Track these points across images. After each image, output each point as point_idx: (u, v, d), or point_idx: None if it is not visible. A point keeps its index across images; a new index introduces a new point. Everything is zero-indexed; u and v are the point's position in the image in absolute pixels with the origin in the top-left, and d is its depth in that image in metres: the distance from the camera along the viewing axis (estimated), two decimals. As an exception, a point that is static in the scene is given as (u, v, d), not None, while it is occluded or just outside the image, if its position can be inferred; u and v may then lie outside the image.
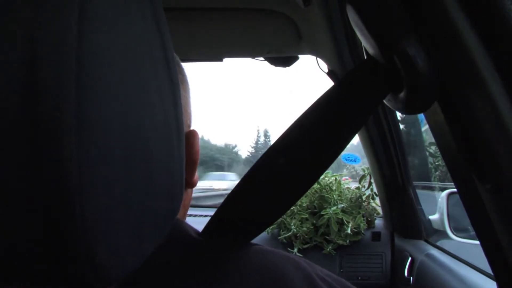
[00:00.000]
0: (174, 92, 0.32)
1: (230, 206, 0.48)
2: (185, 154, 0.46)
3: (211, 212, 0.49)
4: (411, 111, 0.42)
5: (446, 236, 1.40)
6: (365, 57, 0.44)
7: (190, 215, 1.96)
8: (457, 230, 1.37)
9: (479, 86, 0.34)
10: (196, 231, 0.45)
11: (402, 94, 0.40)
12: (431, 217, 1.56)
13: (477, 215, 0.45)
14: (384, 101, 0.44)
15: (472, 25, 0.33)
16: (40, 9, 0.22)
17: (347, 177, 2.76)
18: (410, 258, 1.43)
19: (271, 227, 1.69)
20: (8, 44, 0.22)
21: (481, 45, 0.33)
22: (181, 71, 0.49)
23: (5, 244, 0.25)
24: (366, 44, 0.42)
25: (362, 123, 0.45)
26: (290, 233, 1.64)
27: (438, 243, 1.48)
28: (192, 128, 0.50)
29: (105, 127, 0.24)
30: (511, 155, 0.34)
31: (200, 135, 0.50)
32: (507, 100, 0.33)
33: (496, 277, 0.47)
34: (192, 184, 0.49)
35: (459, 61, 0.35)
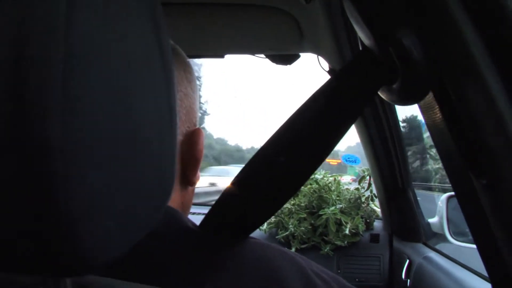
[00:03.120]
0: (168, 82, 0.31)
1: (228, 200, 0.48)
2: (189, 152, 0.47)
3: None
4: (405, 102, 0.42)
5: (445, 239, 1.39)
6: (361, 48, 0.44)
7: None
8: (456, 233, 1.37)
9: (476, 77, 0.33)
10: (194, 224, 0.46)
11: (396, 85, 0.39)
12: (430, 220, 1.56)
13: (473, 214, 0.45)
14: (379, 92, 0.43)
15: (470, 16, 0.33)
16: None
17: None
18: (408, 261, 1.42)
19: (269, 226, 1.69)
20: None
21: (478, 36, 0.33)
22: (190, 71, 0.50)
23: None
24: (362, 35, 0.42)
25: (358, 114, 0.45)
26: (287, 233, 1.63)
27: (437, 247, 1.47)
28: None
29: (92, 111, 0.24)
30: (507, 148, 0.34)
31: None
32: (503, 92, 0.32)
33: (490, 277, 0.46)
34: (193, 182, 0.50)
35: (456, 52, 0.34)
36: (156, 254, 0.39)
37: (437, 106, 0.40)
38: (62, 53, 0.22)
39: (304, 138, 0.45)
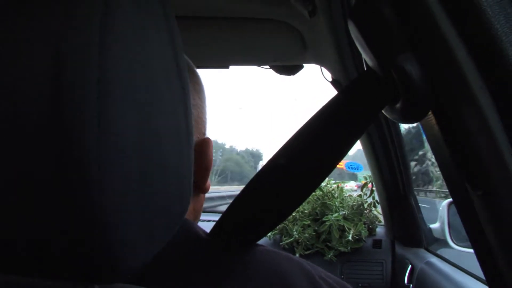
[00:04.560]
0: (185, 100, 0.34)
1: (237, 208, 0.49)
2: (199, 161, 0.48)
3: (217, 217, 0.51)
4: (406, 120, 0.44)
5: (446, 244, 1.40)
6: (365, 68, 0.47)
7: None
8: (457, 239, 1.38)
9: (470, 99, 0.36)
10: (204, 231, 0.47)
11: (398, 105, 0.42)
12: (432, 226, 1.57)
13: (470, 221, 0.47)
14: (382, 110, 0.46)
15: (465, 45, 0.36)
16: (66, 23, 0.25)
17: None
18: (410, 266, 1.44)
19: (273, 232, 1.70)
20: (35, 54, 0.24)
21: (472, 62, 0.36)
22: (198, 81, 0.51)
23: (25, 238, 0.26)
24: (366, 57, 0.45)
25: (363, 131, 0.46)
26: (292, 239, 1.65)
27: (439, 252, 1.48)
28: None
29: (122, 131, 0.26)
30: (499, 163, 0.37)
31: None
32: (495, 112, 0.35)
33: (487, 283, 0.48)
34: (204, 190, 0.51)
35: (452, 76, 0.37)
36: (167, 262, 0.40)
37: (435, 123, 0.43)
38: (96, 75, 0.25)
39: (312, 149, 0.46)
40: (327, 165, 0.47)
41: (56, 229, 0.26)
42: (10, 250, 0.27)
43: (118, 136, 0.26)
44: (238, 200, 0.49)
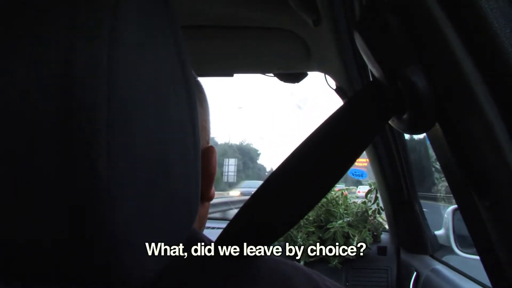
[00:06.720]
0: (192, 111, 0.34)
1: (243, 216, 0.49)
2: (203, 169, 0.46)
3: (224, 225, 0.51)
4: (413, 132, 0.44)
5: (451, 251, 1.40)
6: (371, 79, 0.47)
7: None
8: (462, 245, 1.38)
9: (476, 109, 0.37)
10: (209, 239, 0.47)
11: (405, 116, 0.42)
12: (437, 233, 1.57)
13: (477, 231, 0.47)
14: (389, 121, 0.46)
15: (470, 55, 0.36)
16: (75, 33, 0.25)
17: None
18: (415, 273, 1.44)
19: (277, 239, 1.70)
20: (45, 65, 0.25)
21: (478, 73, 0.36)
22: (200, 89, 0.51)
23: (33, 244, 0.27)
24: (372, 68, 0.45)
25: (369, 142, 0.47)
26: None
27: (444, 259, 1.48)
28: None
29: (131, 142, 0.27)
30: (506, 173, 0.37)
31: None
32: (501, 122, 0.36)
33: None
34: (209, 198, 0.51)
35: (458, 87, 0.37)
36: (174, 271, 0.39)
37: (442, 133, 0.43)
38: (106, 89, 0.25)
39: (319, 159, 0.46)
40: (334, 175, 0.47)
41: (67, 240, 0.26)
42: (14, 255, 0.28)
43: (127, 146, 0.26)
44: (245, 208, 0.49)
